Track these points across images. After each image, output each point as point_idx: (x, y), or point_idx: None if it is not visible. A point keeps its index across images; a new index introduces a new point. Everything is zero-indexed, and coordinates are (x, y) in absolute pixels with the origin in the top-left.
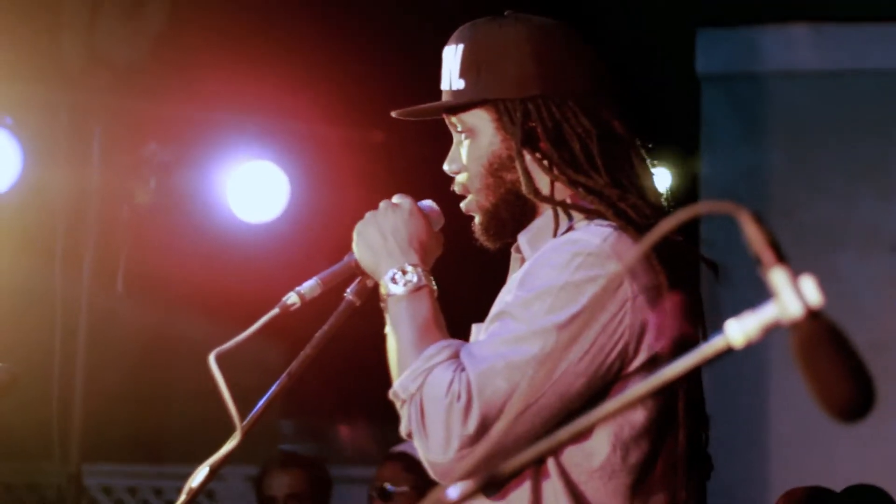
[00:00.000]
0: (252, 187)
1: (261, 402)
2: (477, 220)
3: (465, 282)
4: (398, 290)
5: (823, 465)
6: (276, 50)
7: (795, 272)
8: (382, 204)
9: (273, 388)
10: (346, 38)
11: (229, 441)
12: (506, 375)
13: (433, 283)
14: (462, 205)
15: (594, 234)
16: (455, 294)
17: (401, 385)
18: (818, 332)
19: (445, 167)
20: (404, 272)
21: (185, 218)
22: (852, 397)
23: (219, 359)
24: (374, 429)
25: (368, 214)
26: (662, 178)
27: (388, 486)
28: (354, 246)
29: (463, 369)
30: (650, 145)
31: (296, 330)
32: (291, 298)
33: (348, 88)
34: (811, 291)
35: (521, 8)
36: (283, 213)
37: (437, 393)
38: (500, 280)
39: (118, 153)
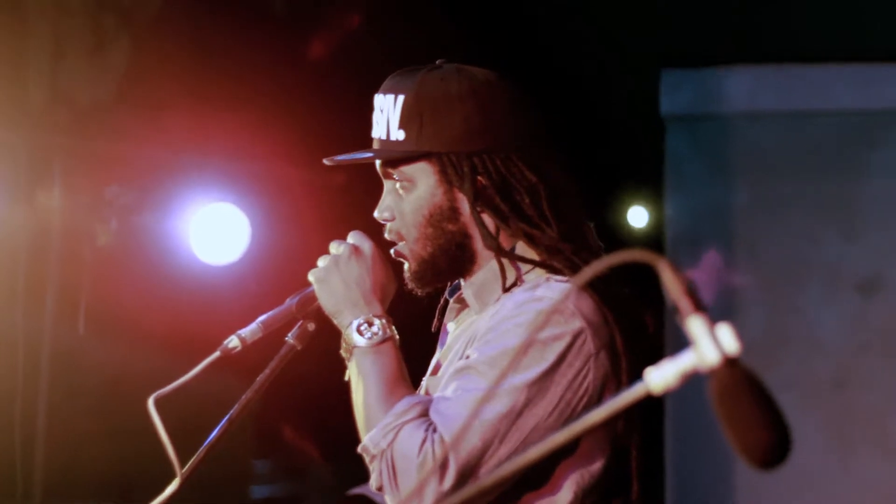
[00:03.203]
0: (214, 229)
1: (202, 447)
2: (409, 267)
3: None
4: (363, 342)
5: (790, 502)
6: (239, 92)
7: (716, 320)
8: (343, 249)
9: (214, 432)
10: (308, 81)
11: (170, 486)
12: (479, 434)
13: (395, 333)
14: (392, 251)
15: (557, 291)
16: None
17: (371, 441)
18: (735, 380)
19: (376, 215)
20: (370, 324)
21: (147, 259)
22: (769, 445)
23: (164, 401)
24: (342, 470)
25: (330, 261)
26: (638, 218)
27: None
28: (317, 293)
29: (435, 429)
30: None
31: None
32: (233, 342)
33: (310, 130)
34: (728, 339)
35: (488, 52)
36: (245, 254)
37: (409, 452)
38: (427, 323)
39: (79, 194)
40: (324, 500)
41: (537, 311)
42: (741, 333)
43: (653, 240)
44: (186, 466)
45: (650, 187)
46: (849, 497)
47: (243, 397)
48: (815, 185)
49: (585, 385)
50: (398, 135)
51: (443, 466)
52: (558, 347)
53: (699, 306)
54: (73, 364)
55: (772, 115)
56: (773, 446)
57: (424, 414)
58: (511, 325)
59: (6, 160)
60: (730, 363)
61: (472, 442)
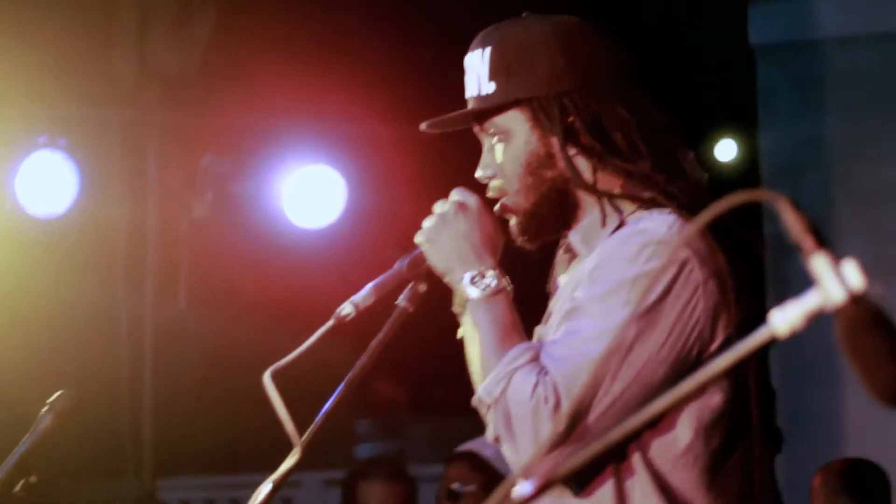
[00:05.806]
0: (309, 192)
1: (320, 415)
2: (514, 221)
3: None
4: (476, 294)
5: None
6: (327, 52)
7: (840, 255)
8: (448, 206)
9: (331, 399)
10: (398, 38)
11: (289, 457)
12: (589, 372)
13: (509, 284)
14: (496, 208)
15: (660, 223)
16: None
17: (485, 390)
18: (862, 316)
19: (478, 174)
20: (483, 276)
21: (245, 228)
22: None
23: (280, 374)
24: (444, 427)
25: (436, 219)
26: (727, 150)
27: (455, 486)
28: (427, 253)
29: (546, 372)
30: (702, 122)
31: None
32: (346, 309)
33: (401, 88)
34: (853, 276)
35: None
36: (342, 216)
37: (521, 397)
38: (539, 282)
39: (174, 167)
40: (427, 457)
41: (641, 244)
42: None
43: (745, 172)
44: (305, 435)
45: (740, 120)
46: None
47: (358, 363)
48: None
49: (696, 316)
50: (488, 88)
51: (555, 408)
52: (665, 279)
53: (822, 244)
54: (176, 339)
55: (862, 39)
56: None
57: (536, 359)
58: (616, 261)
59: (100, 140)
60: (856, 300)
61: (583, 381)
